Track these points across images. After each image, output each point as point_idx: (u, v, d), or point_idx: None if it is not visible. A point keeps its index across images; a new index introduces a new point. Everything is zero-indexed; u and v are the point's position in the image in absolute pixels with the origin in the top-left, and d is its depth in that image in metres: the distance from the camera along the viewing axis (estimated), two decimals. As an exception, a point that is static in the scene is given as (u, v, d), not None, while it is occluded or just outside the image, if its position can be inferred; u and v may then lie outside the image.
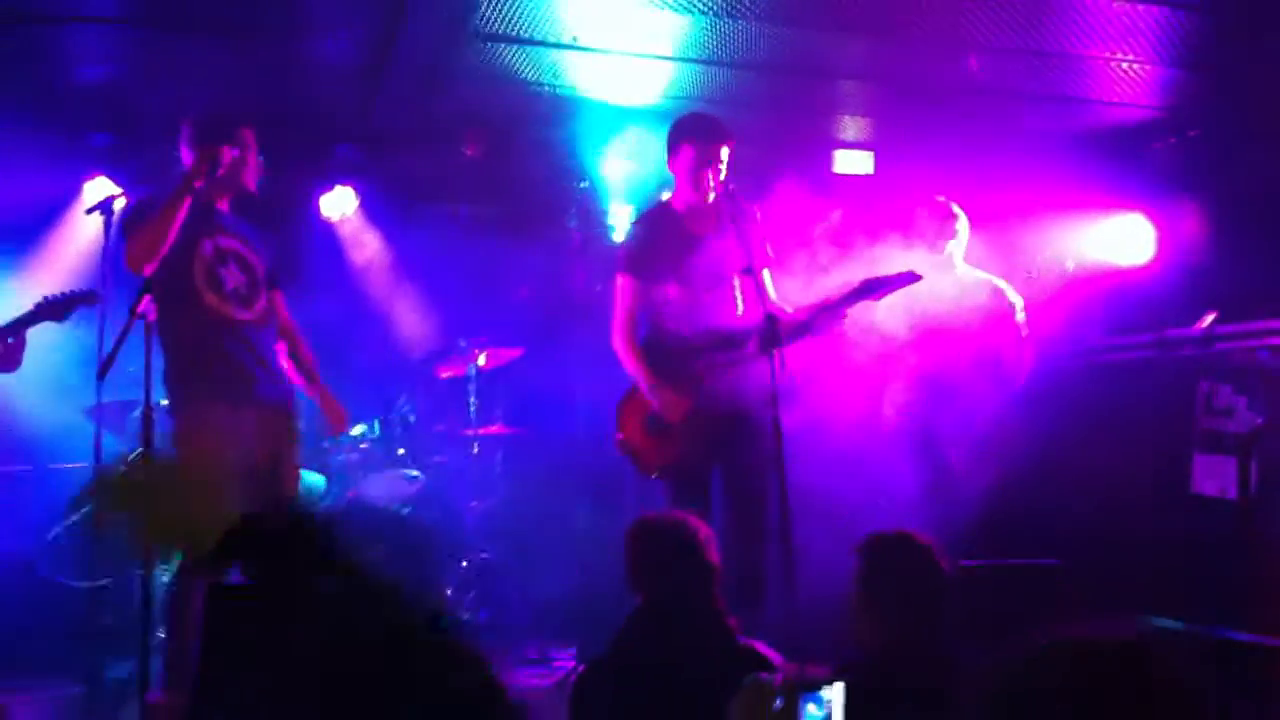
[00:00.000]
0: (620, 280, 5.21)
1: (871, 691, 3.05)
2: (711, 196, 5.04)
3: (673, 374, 5.03)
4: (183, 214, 4.57)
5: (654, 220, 5.29)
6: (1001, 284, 6.08)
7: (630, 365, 5.13)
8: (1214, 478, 5.90)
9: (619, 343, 5.16)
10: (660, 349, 5.12)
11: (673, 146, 5.16)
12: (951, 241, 6.04)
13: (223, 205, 4.98)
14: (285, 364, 5.11)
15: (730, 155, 5.10)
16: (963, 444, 5.93)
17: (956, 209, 6.07)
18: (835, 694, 2.93)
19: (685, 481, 5.00)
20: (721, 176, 5.04)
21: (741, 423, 4.95)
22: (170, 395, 4.76)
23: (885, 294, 4.92)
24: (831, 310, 4.90)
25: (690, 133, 5.11)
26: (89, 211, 5.45)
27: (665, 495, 5.01)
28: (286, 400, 4.99)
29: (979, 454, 5.98)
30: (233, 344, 4.80)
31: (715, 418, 4.96)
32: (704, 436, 4.96)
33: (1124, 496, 6.36)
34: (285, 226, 5.32)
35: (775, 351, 4.51)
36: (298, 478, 5.06)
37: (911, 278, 4.91)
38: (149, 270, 4.54)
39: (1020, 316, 6.03)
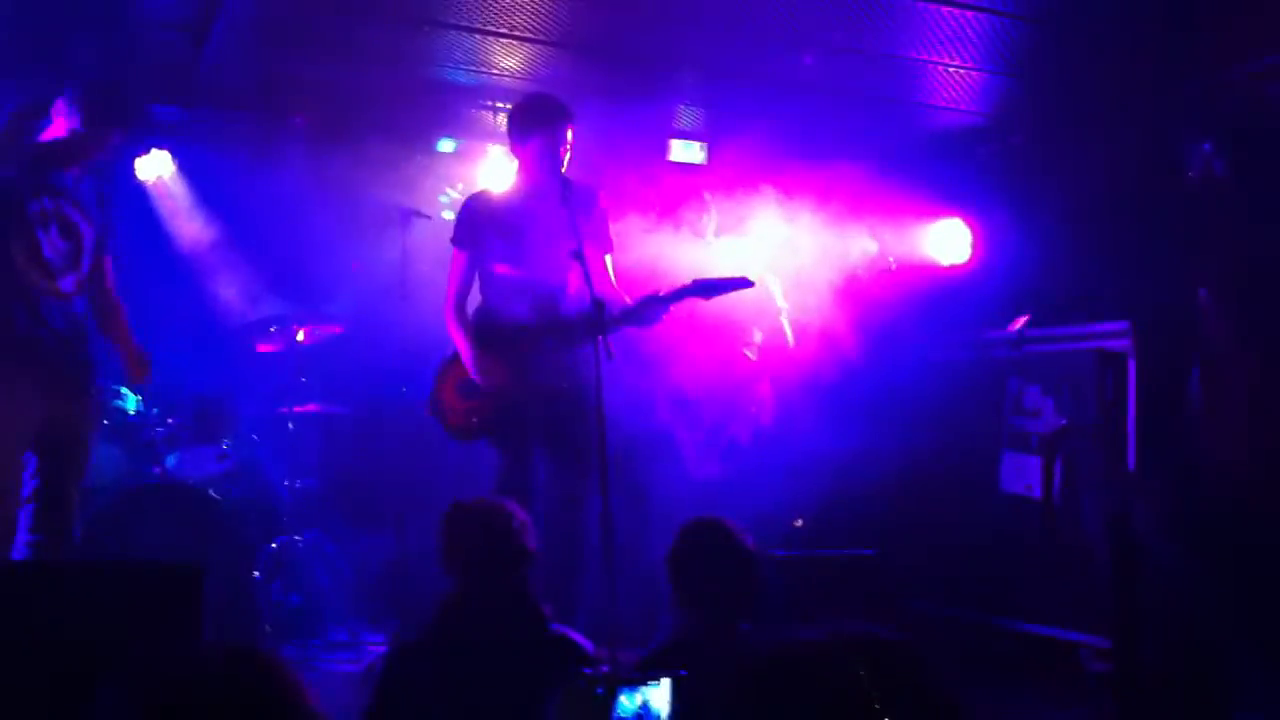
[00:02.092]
0: (453, 252, 5.24)
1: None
2: (551, 179, 5.01)
3: (499, 349, 5.07)
4: None
5: (492, 197, 5.30)
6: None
7: (454, 335, 5.16)
8: (1020, 476, 6.10)
9: (446, 313, 5.19)
10: (489, 325, 5.15)
11: (518, 129, 5.14)
12: (709, 225, 6.19)
13: (57, 163, 4.73)
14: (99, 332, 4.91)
15: (570, 138, 5.10)
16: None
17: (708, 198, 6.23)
18: (662, 691, 2.93)
19: (505, 443, 5.06)
20: (564, 161, 5.05)
21: (563, 401, 5.00)
22: None
23: (717, 295, 5.00)
24: (659, 304, 4.96)
25: (537, 116, 5.10)
26: None
27: (497, 460, 5.08)
28: (81, 368, 4.76)
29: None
30: (29, 311, 4.58)
31: (536, 392, 5.01)
32: (521, 404, 5.01)
33: (940, 491, 6.55)
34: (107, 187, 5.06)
35: (600, 337, 4.50)
36: (87, 451, 4.80)
37: (744, 283, 5.00)
38: None
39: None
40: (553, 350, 5.03)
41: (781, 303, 6.13)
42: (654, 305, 4.98)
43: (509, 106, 5.52)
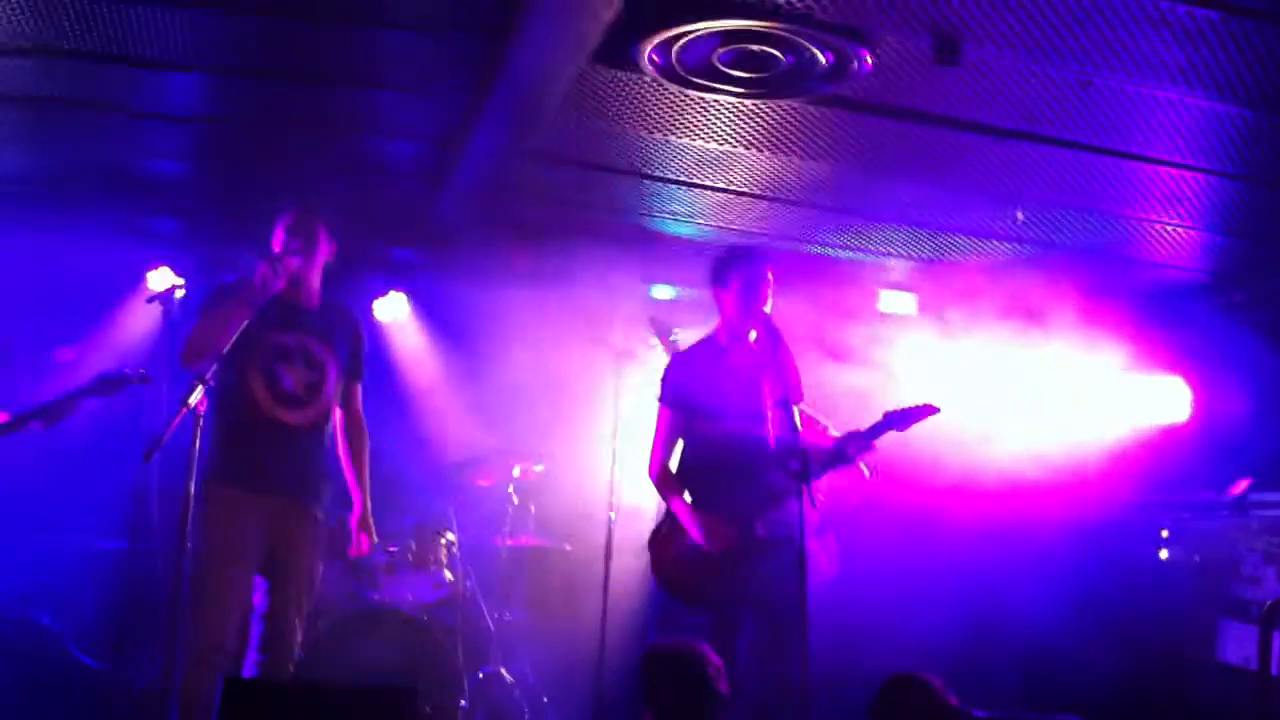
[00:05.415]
0: (659, 411, 5.26)
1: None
2: (753, 332, 5.10)
3: (708, 504, 5.06)
4: (238, 324, 4.60)
5: (696, 352, 5.36)
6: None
7: (666, 496, 5.17)
8: (1239, 646, 5.85)
9: (654, 474, 5.21)
10: (696, 480, 5.15)
11: (721, 272, 5.24)
12: None
13: (304, 298, 5.02)
14: (342, 460, 5.17)
15: (772, 278, 5.18)
16: None
17: None
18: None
19: (724, 610, 5.01)
20: (768, 300, 5.12)
21: (774, 554, 4.97)
22: (199, 479, 4.71)
23: (909, 425, 5.10)
24: (860, 441, 5.03)
25: (739, 257, 5.24)
26: (149, 301, 5.60)
27: (707, 624, 4.98)
28: (309, 496, 4.97)
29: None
30: (268, 445, 4.84)
31: (749, 549, 4.99)
32: (740, 566, 4.98)
33: (1156, 656, 6.32)
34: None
35: (806, 486, 4.56)
36: (310, 576, 5.00)
37: (930, 410, 5.05)
38: (195, 368, 4.57)
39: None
40: (764, 504, 5.02)
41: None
42: (855, 443, 5.07)
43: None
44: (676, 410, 5.20)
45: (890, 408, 5.14)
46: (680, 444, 5.23)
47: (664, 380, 5.33)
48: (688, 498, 5.12)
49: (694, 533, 5.02)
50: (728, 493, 5.05)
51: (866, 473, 5.75)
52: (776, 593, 4.94)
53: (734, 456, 5.08)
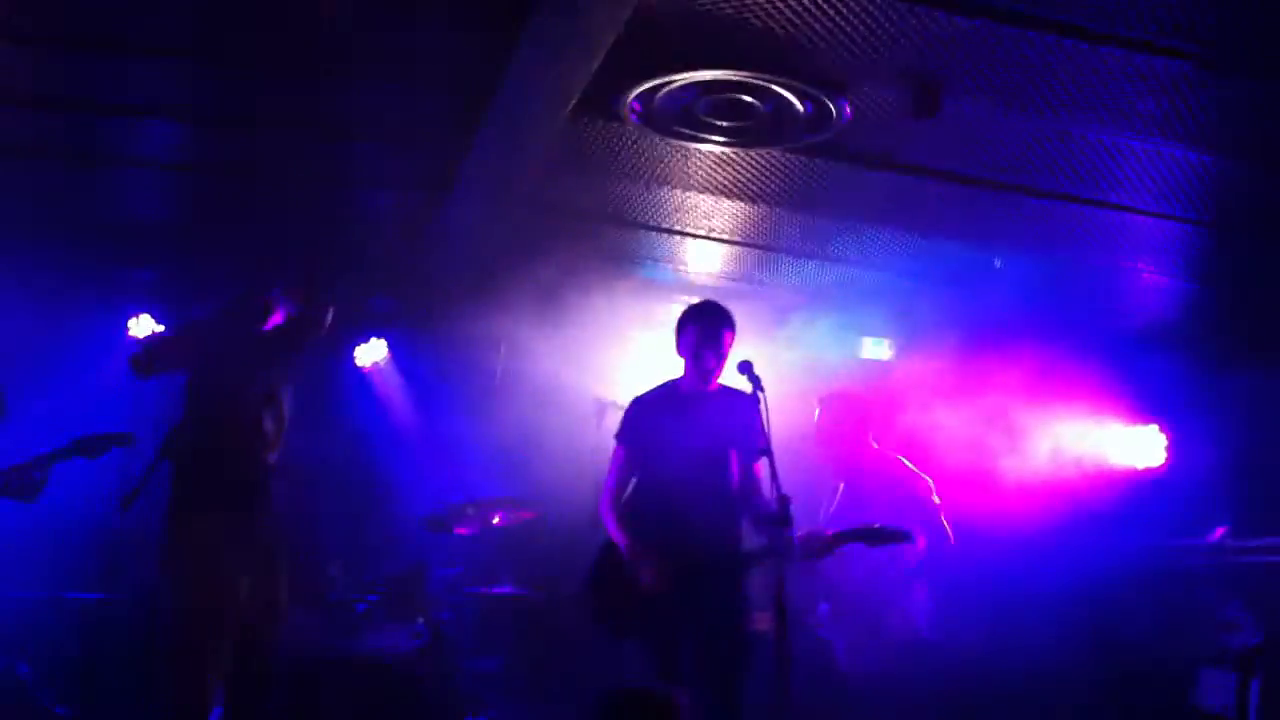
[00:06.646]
0: (615, 448, 5.31)
1: None
2: (710, 381, 5.12)
3: (649, 542, 5.04)
4: (211, 340, 4.70)
5: (658, 394, 5.36)
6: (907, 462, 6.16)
7: (613, 531, 5.16)
8: (1217, 693, 5.85)
9: (604, 507, 5.22)
10: (641, 517, 5.14)
11: (679, 327, 5.26)
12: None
13: (292, 349, 5.05)
14: None
15: (730, 343, 5.16)
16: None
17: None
18: None
19: (658, 647, 4.97)
20: (722, 362, 5.13)
21: (718, 594, 4.96)
22: (174, 519, 4.66)
23: (878, 544, 5.15)
24: (824, 544, 5.05)
25: (694, 316, 5.23)
26: (129, 348, 5.59)
27: (639, 659, 4.98)
28: (273, 540, 4.90)
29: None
30: (249, 479, 4.81)
31: (689, 588, 4.94)
32: (679, 605, 4.94)
33: (1134, 703, 6.32)
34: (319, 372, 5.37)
35: (785, 534, 4.55)
36: (281, 614, 4.91)
37: (906, 536, 5.15)
38: (150, 369, 4.64)
39: (934, 494, 6.02)
40: (708, 547, 4.99)
41: (936, 499, 6.04)
42: (818, 543, 5.08)
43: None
44: (630, 448, 5.26)
45: (872, 522, 5.18)
46: (633, 482, 5.25)
47: (624, 416, 5.39)
48: (632, 534, 5.09)
49: (635, 568, 4.99)
50: (669, 532, 5.01)
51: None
52: (717, 636, 4.92)
53: (682, 499, 5.04)
